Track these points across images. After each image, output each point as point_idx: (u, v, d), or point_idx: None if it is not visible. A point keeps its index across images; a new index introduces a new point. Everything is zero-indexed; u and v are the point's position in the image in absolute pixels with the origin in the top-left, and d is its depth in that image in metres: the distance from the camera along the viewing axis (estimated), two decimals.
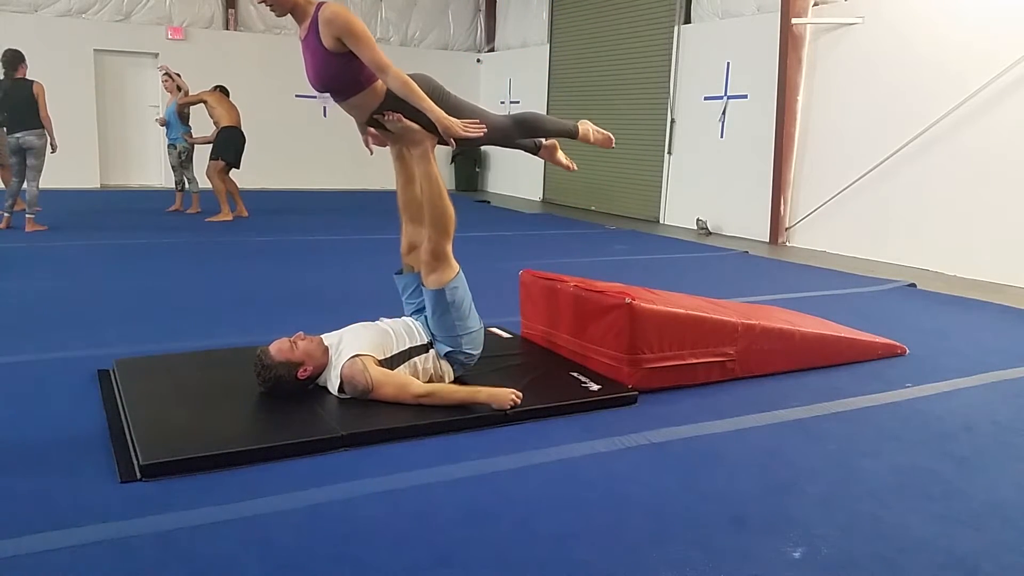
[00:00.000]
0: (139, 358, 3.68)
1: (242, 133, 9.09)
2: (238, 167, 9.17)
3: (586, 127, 3.79)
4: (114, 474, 2.59)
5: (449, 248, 3.38)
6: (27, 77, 7.66)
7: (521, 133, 3.68)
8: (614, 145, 3.89)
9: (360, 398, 3.18)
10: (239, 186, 9.33)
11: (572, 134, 3.76)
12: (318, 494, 2.52)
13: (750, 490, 2.70)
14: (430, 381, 3.40)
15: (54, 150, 7.85)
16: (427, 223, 3.36)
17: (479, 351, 3.54)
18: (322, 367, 3.25)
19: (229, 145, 9.00)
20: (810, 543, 2.34)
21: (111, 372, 3.51)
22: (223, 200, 9.03)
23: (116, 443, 2.81)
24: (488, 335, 4.15)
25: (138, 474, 2.57)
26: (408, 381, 3.21)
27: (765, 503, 2.61)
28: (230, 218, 9.01)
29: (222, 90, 9.24)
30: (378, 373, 3.17)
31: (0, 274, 5.76)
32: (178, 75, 9.34)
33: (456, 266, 3.42)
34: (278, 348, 3.16)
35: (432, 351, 3.43)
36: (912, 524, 2.49)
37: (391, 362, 3.28)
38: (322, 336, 3.34)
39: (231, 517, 2.36)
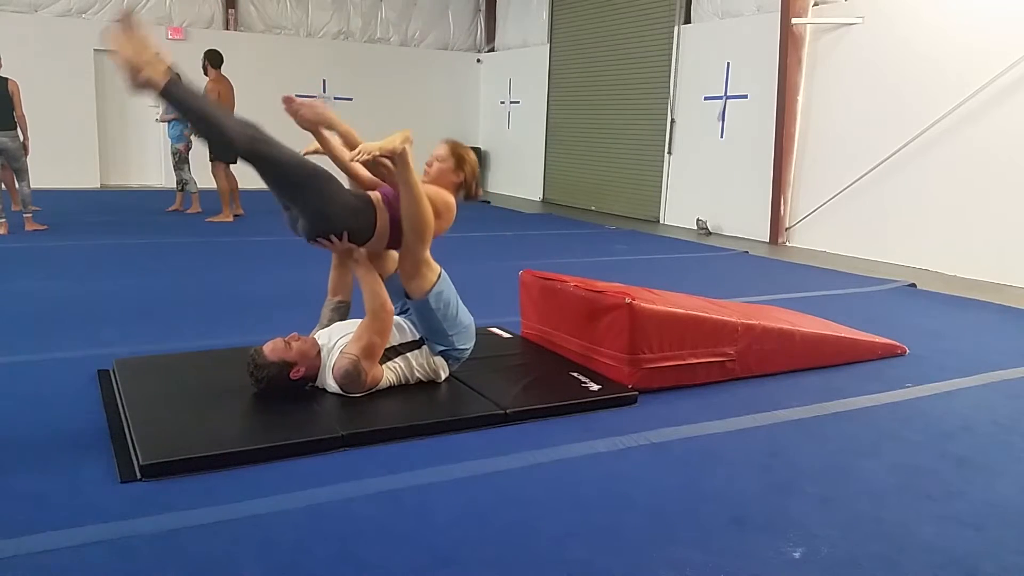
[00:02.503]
0: (139, 358, 3.68)
1: None
2: (236, 162, 9.13)
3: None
4: (114, 474, 2.59)
5: (427, 254, 3.31)
6: (3, 75, 7.48)
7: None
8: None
9: (361, 387, 3.18)
10: (242, 187, 9.30)
11: None
12: (318, 494, 2.52)
13: (750, 490, 2.71)
14: (426, 378, 3.42)
15: (26, 152, 7.69)
16: (405, 228, 3.24)
17: (471, 344, 3.53)
18: (316, 368, 3.24)
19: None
20: (810, 543, 2.34)
21: (111, 372, 3.51)
22: (226, 201, 9.02)
23: (116, 443, 2.81)
24: (488, 335, 4.16)
25: (138, 474, 2.57)
26: (358, 335, 3.21)
27: (765, 503, 2.61)
28: (231, 219, 9.00)
29: (212, 59, 8.90)
30: (353, 348, 3.17)
31: (0, 274, 5.76)
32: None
33: (437, 268, 3.36)
34: (272, 348, 3.15)
35: (424, 347, 3.43)
36: (912, 524, 2.49)
37: (383, 357, 3.28)
38: (315, 337, 3.34)
39: (231, 517, 2.36)
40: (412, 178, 3.16)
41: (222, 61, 8.98)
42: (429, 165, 3.52)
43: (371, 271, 3.32)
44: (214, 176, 9.00)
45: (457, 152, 3.51)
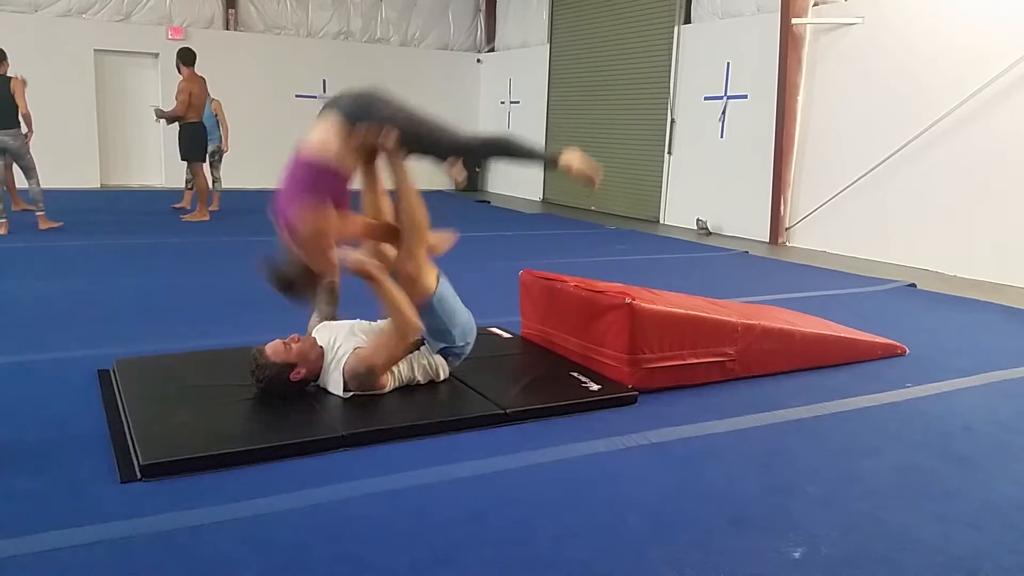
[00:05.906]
0: (139, 358, 3.68)
1: (204, 125, 8.91)
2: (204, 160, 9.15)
3: (570, 158, 3.39)
4: (114, 474, 2.59)
5: (424, 256, 3.33)
6: (7, 74, 7.51)
7: (490, 153, 3.56)
8: (596, 186, 3.48)
9: (369, 388, 3.19)
10: (242, 185, 9.31)
11: (551, 161, 3.54)
12: (318, 494, 2.52)
13: (750, 490, 2.71)
14: (426, 379, 3.42)
15: (27, 138, 7.64)
16: (403, 235, 3.29)
17: (471, 339, 3.52)
18: (316, 370, 3.24)
19: (198, 143, 8.83)
20: (810, 543, 2.34)
21: (111, 372, 3.51)
22: (214, 197, 9.08)
23: (116, 443, 2.81)
24: (488, 335, 4.16)
25: (138, 474, 2.57)
26: (374, 343, 3.22)
27: (765, 503, 2.61)
28: (210, 213, 9.08)
29: (184, 58, 8.68)
30: (364, 351, 3.18)
31: (0, 274, 5.76)
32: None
33: (434, 270, 3.37)
34: (273, 349, 3.15)
35: (424, 347, 3.43)
36: (912, 524, 2.49)
37: None
38: (315, 335, 3.34)
39: (231, 517, 2.36)
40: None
41: (195, 59, 8.79)
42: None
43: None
44: (195, 175, 8.94)
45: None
